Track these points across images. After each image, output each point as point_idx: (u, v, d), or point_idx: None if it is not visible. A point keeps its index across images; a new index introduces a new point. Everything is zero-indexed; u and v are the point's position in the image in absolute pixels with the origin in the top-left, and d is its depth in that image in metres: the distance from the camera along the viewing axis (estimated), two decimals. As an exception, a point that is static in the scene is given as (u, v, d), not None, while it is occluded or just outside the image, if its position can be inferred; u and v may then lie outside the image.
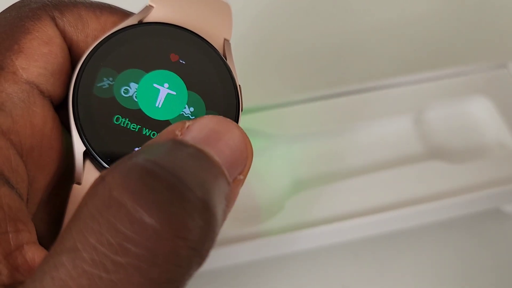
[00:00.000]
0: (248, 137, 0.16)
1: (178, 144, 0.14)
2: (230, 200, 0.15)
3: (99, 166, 0.18)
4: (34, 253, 0.15)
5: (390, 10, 0.44)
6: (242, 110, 0.20)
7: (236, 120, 0.19)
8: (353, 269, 0.32)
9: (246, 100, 0.31)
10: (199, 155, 0.14)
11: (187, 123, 0.15)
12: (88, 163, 0.18)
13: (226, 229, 0.28)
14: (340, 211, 0.29)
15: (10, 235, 0.14)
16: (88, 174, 0.18)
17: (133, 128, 0.18)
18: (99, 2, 0.20)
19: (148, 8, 0.20)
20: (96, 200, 0.13)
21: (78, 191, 0.18)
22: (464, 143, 0.33)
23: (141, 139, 0.18)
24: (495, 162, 0.31)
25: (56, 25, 0.18)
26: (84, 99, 0.18)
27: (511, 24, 0.44)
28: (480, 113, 0.34)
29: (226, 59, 0.20)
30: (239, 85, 0.20)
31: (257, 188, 0.31)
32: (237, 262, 0.29)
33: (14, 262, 0.14)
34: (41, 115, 0.17)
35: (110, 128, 0.18)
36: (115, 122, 0.18)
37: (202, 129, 0.15)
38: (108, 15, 0.19)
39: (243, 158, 0.16)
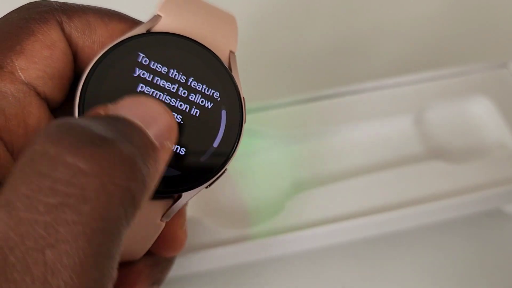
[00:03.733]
0: (167, 108, 0.17)
1: (99, 114, 0.15)
2: (158, 163, 0.16)
3: None
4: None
5: (390, 10, 0.44)
6: (245, 122, 0.20)
7: (240, 132, 0.20)
8: (353, 269, 0.32)
9: (247, 100, 0.31)
10: (118, 119, 0.15)
11: (109, 105, 0.16)
12: None
13: (226, 230, 0.28)
14: (340, 212, 0.29)
15: None
16: None
17: None
18: (108, 9, 0.20)
19: (156, 18, 0.20)
20: (22, 159, 0.13)
21: None
22: (465, 143, 0.33)
23: None
24: (496, 162, 0.31)
25: (63, 29, 0.19)
26: (92, 103, 0.18)
27: (511, 24, 0.44)
28: (481, 113, 0.34)
29: (231, 71, 0.20)
30: (243, 98, 0.20)
31: (257, 188, 0.31)
32: (237, 262, 0.29)
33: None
34: (36, 116, 0.18)
35: None
36: None
37: (122, 105, 0.16)
38: (117, 22, 0.20)
39: (166, 125, 0.16)
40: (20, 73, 0.17)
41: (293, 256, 0.31)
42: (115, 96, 0.18)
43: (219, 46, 0.20)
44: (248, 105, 0.33)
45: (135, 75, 0.19)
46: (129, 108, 0.16)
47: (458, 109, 0.34)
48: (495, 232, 0.33)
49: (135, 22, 0.20)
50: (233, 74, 0.20)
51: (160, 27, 0.19)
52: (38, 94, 0.18)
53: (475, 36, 0.43)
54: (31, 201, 0.13)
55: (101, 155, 0.13)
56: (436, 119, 0.34)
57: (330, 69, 0.41)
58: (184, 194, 0.19)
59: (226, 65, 0.20)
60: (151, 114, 0.16)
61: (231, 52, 0.21)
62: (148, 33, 0.19)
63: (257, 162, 0.32)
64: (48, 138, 0.13)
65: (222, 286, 0.31)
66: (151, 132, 0.16)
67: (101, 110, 0.16)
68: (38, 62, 0.18)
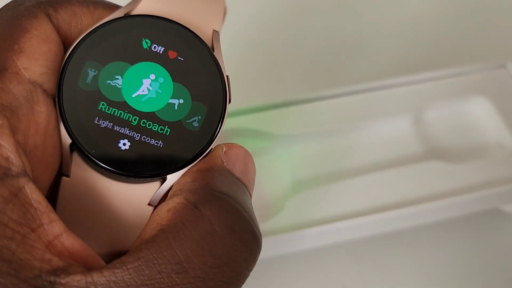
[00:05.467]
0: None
1: (231, 175, 0.19)
2: None
3: (86, 158, 0.18)
4: (71, 240, 0.16)
5: (390, 10, 0.44)
6: (230, 101, 0.20)
7: (224, 110, 0.19)
8: (353, 269, 0.32)
9: (247, 100, 0.31)
10: (245, 190, 0.19)
11: (224, 148, 0.19)
12: (76, 156, 0.18)
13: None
14: (340, 211, 0.29)
15: (46, 227, 0.16)
16: (76, 166, 0.18)
17: None
18: None
19: (135, 1, 0.20)
20: (199, 229, 0.16)
21: (67, 184, 0.18)
22: (464, 143, 0.33)
23: (126, 132, 0.18)
24: (495, 162, 0.31)
25: (51, 22, 0.18)
26: (69, 92, 0.18)
27: (511, 24, 0.44)
28: (480, 113, 0.34)
29: (214, 50, 0.20)
30: (227, 76, 0.20)
31: (257, 188, 0.31)
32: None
33: (56, 250, 0.16)
34: (45, 114, 0.18)
35: (95, 121, 0.18)
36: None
37: (238, 161, 0.19)
38: (102, 10, 0.19)
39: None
40: (24, 73, 0.17)
41: (293, 256, 0.31)
42: (94, 84, 0.18)
43: (201, 26, 0.20)
44: (248, 105, 0.33)
45: None
46: (244, 172, 0.20)
47: (457, 109, 0.34)
48: (494, 232, 0.33)
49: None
50: (216, 53, 0.20)
51: (139, 10, 0.19)
52: (44, 91, 0.18)
53: (474, 37, 0.43)
54: (201, 273, 0.16)
55: (254, 253, 0.18)
56: (435, 119, 0.34)
57: (330, 69, 0.41)
58: (168, 176, 0.19)
59: (209, 44, 0.20)
60: (252, 176, 0.20)
61: (215, 31, 0.20)
62: (125, 16, 0.19)
63: (257, 162, 0.32)
64: (226, 224, 0.17)
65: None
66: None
67: (221, 156, 0.19)
68: (39, 59, 0.18)
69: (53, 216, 0.16)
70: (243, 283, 0.17)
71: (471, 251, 0.33)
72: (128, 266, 0.15)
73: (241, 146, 0.20)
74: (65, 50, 0.19)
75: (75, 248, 0.16)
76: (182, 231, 0.16)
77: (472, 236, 0.33)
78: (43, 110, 0.17)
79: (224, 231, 0.17)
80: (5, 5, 0.19)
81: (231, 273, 0.17)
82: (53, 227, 0.16)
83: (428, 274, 0.32)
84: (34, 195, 0.16)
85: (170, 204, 0.17)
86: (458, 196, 0.30)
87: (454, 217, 0.32)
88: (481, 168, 0.31)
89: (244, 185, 0.19)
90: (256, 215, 0.30)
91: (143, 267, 0.15)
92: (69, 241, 0.16)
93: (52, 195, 0.19)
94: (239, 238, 0.17)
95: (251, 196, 0.20)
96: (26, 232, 0.15)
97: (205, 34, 0.20)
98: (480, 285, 0.32)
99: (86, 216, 0.19)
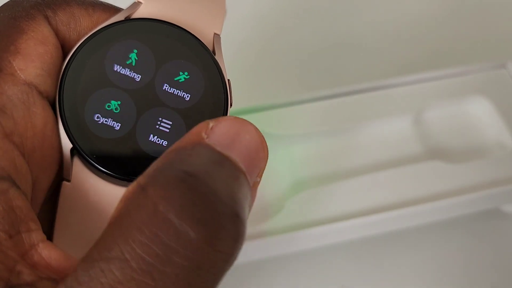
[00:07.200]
0: (264, 139, 0.17)
1: (208, 151, 0.15)
2: (251, 203, 0.16)
3: (86, 163, 0.18)
4: (49, 251, 0.15)
5: (389, 10, 0.44)
6: (231, 105, 0.19)
7: (225, 115, 0.19)
8: (352, 269, 0.32)
9: (247, 100, 0.31)
10: (225, 163, 0.15)
11: (211, 124, 0.16)
12: (76, 160, 0.18)
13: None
14: (339, 211, 0.29)
15: (24, 235, 0.15)
16: (77, 171, 0.18)
17: None
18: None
19: (136, 4, 0.19)
20: (141, 212, 0.14)
21: (68, 188, 0.18)
22: (464, 143, 0.33)
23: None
24: (495, 162, 0.31)
25: (49, 24, 0.18)
26: (70, 96, 0.18)
27: (511, 24, 0.44)
28: (480, 113, 0.34)
29: (215, 54, 0.20)
30: (228, 80, 0.20)
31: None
32: (236, 262, 0.29)
33: (31, 261, 0.15)
34: (41, 116, 0.17)
35: (96, 125, 0.18)
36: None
37: (226, 133, 0.16)
38: (101, 12, 0.19)
39: (261, 160, 0.17)
40: (20, 74, 0.17)
41: (292, 256, 0.31)
42: (93, 88, 0.18)
43: (202, 29, 0.20)
44: (248, 105, 0.33)
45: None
46: (233, 140, 0.16)
47: (457, 109, 0.34)
48: (494, 232, 0.33)
49: (119, 11, 0.20)
50: (217, 57, 0.19)
51: (139, 13, 0.19)
52: (40, 93, 0.18)
53: (474, 37, 0.43)
54: (147, 266, 0.13)
55: (218, 232, 0.14)
56: (435, 119, 0.34)
57: (330, 69, 0.41)
58: None
59: (210, 48, 0.20)
60: (250, 148, 0.16)
61: (216, 35, 0.20)
62: (126, 20, 0.19)
63: (257, 162, 0.32)
64: (172, 202, 0.14)
65: (221, 285, 0.31)
66: (250, 174, 0.16)
67: (204, 133, 0.16)
68: (35, 60, 0.17)
69: (33, 225, 0.15)
70: (201, 276, 0.14)
71: (471, 251, 0.33)
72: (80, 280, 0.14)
73: (238, 118, 0.16)
74: (65, 54, 0.19)
75: (54, 258, 0.15)
76: (125, 219, 0.14)
77: (472, 236, 0.33)
78: (40, 112, 0.17)
79: (170, 210, 0.14)
80: (3, 5, 0.19)
81: (190, 264, 0.14)
82: (31, 236, 0.15)
83: (428, 274, 0.32)
84: (17, 201, 0.15)
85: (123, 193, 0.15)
86: (458, 196, 0.30)
87: (454, 217, 0.32)
88: (481, 168, 0.31)
89: (230, 161, 0.15)
90: (255, 215, 0.30)
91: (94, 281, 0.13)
92: (46, 251, 0.15)
93: (52, 199, 0.19)
94: (193, 217, 0.14)
95: (249, 178, 0.16)
96: (2, 239, 0.15)
97: (206, 38, 0.20)
98: (480, 285, 0.32)
99: (86, 221, 0.18)
